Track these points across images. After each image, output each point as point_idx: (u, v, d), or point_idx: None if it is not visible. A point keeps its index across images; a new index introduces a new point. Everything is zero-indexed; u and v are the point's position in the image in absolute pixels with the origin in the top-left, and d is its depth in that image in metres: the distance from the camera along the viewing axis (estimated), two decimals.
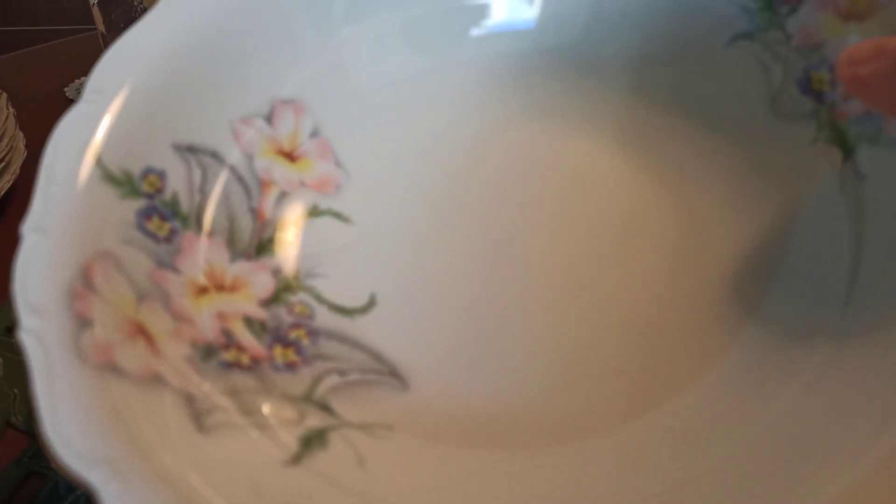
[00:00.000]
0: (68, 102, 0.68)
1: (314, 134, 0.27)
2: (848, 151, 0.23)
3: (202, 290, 0.23)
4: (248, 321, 0.23)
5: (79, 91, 0.68)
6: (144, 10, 0.70)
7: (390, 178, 0.27)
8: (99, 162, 0.22)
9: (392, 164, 0.27)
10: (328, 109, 0.27)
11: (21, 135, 0.50)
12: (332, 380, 0.22)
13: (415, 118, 0.28)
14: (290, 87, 0.26)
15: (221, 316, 0.22)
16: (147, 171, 0.23)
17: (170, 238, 0.23)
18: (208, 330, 0.22)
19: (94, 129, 0.22)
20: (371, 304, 0.24)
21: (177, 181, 0.23)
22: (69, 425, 0.17)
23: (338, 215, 0.26)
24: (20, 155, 0.48)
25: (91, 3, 0.62)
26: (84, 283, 0.20)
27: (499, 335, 0.24)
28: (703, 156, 0.26)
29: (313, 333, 0.23)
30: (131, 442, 0.17)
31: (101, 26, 0.62)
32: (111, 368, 0.18)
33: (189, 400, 0.19)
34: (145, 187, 0.23)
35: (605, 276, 0.25)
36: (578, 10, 0.28)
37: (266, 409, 0.21)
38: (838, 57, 0.20)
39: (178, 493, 0.17)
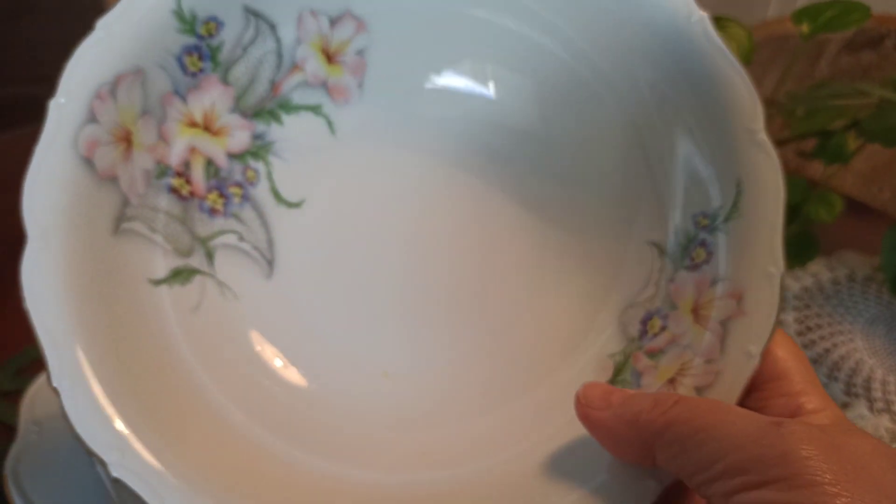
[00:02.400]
0: None
1: (360, 53, 0.31)
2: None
3: (193, 124, 0.30)
4: (209, 163, 0.30)
5: None
6: None
7: (377, 141, 0.32)
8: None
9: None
10: (381, 44, 0.31)
11: None
12: (230, 238, 0.31)
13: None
14: (365, 8, 0.31)
15: (192, 150, 0.30)
16: (210, 19, 0.28)
17: (196, 74, 0.29)
18: (176, 156, 0.29)
19: None
20: (297, 205, 0.32)
21: (230, 34, 0.29)
22: (38, 184, 0.25)
23: (330, 124, 0.32)
24: None
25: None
26: (110, 90, 0.27)
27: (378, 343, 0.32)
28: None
29: (245, 197, 0.31)
30: (64, 216, 0.26)
31: None
32: (88, 161, 0.26)
33: (124, 203, 0.28)
34: (202, 30, 0.28)
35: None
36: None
37: (171, 230, 0.29)
38: (577, 393, 0.25)
39: (73, 263, 0.26)
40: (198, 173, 0.30)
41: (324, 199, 0.32)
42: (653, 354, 0.28)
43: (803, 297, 0.49)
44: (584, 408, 0.25)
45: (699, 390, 0.26)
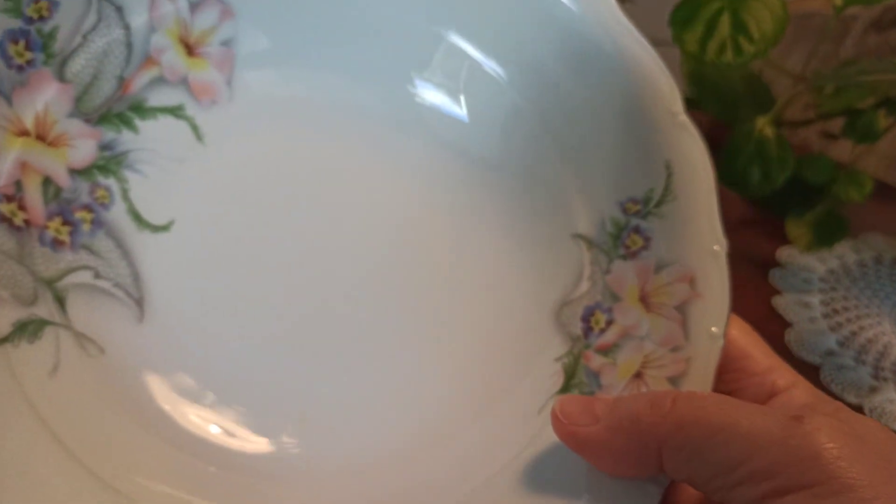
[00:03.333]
0: None
1: (225, 43, 0.26)
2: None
3: (22, 132, 0.23)
4: (47, 182, 0.23)
5: None
6: None
7: (252, 146, 0.27)
8: None
9: (263, 133, 0.27)
10: (252, 33, 0.26)
11: None
12: (84, 276, 0.24)
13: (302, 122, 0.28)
14: None
15: (24, 166, 0.23)
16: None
17: (23, 68, 0.22)
18: (2, 174, 0.22)
19: None
20: (165, 228, 0.26)
21: (66, 18, 0.23)
22: None
23: (195, 128, 0.26)
24: None
25: None
26: None
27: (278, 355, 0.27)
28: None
29: (98, 223, 0.25)
30: None
31: None
32: None
33: None
34: (30, 12, 0.22)
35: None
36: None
37: (4, 272, 0.22)
38: (553, 408, 0.23)
39: None
40: (33, 196, 0.23)
41: (195, 219, 0.26)
42: (605, 351, 0.27)
43: (829, 280, 0.49)
44: (567, 426, 0.23)
45: (673, 381, 0.25)
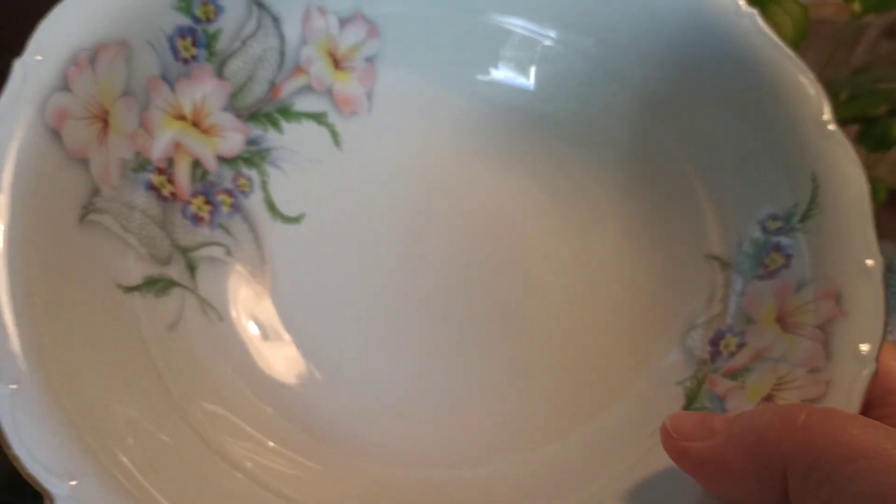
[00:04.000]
0: None
1: (369, 59, 0.28)
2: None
3: (180, 117, 0.26)
4: (196, 164, 0.26)
5: None
6: None
7: (384, 154, 0.29)
8: None
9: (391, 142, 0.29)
10: (393, 53, 0.28)
11: None
12: (216, 251, 0.26)
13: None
14: (379, 10, 0.28)
15: (178, 146, 0.26)
16: (208, 1, 0.25)
17: (188, 61, 0.25)
18: (158, 149, 0.25)
19: None
20: (296, 220, 0.27)
21: (229, 22, 0.26)
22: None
23: (334, 135, 0.28)
24: None
25: None
26: (89, 58, 0.23)
27: (404, 340, 0.27)
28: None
29: (236, 207, 0.27)
30: (21, 190, 0.21)
31: None
32: (55, 133, 0.22)
33: (94, 191, 0.23)
34: (199, 12, 0.25)
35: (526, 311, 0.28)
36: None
37: (146, 233, 0.24)
38: (662, 423, 0.20)
39: (27, 245, 0.20)
40: (182, 173, 0.25)
41: (325, 216, 0.28)
42: (734, 375, 0.24)
43: None
44: (679, 442, 0.20)
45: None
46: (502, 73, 0.29)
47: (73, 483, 0.18)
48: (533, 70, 0.29)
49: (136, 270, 0.24)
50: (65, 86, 0.22)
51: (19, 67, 0.21)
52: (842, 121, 0.47)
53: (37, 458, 0.18)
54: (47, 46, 0.22)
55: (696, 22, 0.26)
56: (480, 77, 0.29)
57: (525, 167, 0.29)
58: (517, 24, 0.28)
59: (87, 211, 0.22)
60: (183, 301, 0.24)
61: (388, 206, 0.28)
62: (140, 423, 0.21)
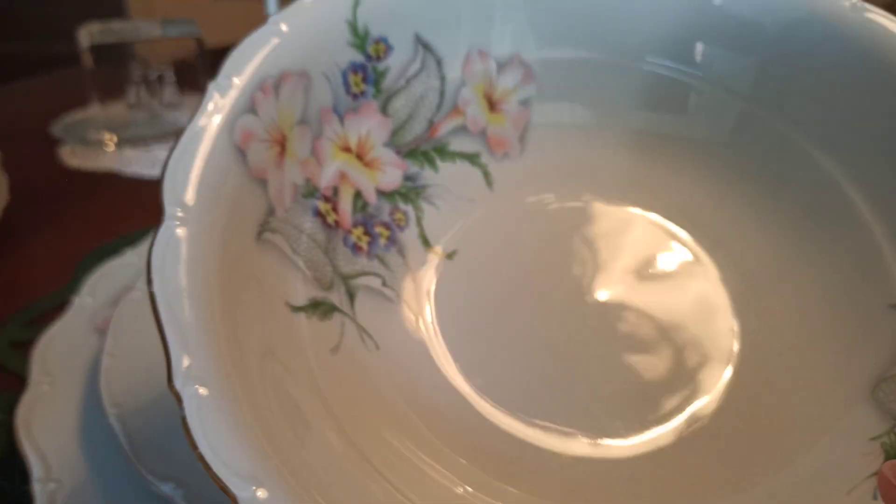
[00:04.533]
0: (53, 142, 0.67)
1: (524, 103, 0.29)
2: None
3: (346, 149, 0.26)
4: (357, 195, 0.26)
5: (65, 130, 0.68)
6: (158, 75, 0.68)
7: (535, 198, 0.29)
8: (355, 6, 0.25)
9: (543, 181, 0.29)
10: (547, 97, 0.29)
11: (5, 178, 0.51)
12: (373, 281, 0.26)
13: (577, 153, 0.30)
14: (536, 55, 0.29)
15: (343, 176, 0.26)
16: (380, 39, 0.26)
17: (357, 96, 0.26)
18: (325, 178, 0.26)
19: None
20: (449, 256, 0.28)
21: (396, 61, 0.27)
22: (184, 162, 0.21)
23: (487, 175, 0.29)
24: (2, 199, 0.50)
25: (82, 48, 0.63)
26: (274, 84, 0.24)
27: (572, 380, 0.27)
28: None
29: (392, 240, 0.27)
30: (209, 201, 0.21)
31: (90, 67, 0.64)
32: (241, 152, 0.22)
33: (269, 210, 0.23)
34: (371, 50, 0.26)
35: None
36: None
37: (312, 257, 0.25)
38: (882, 468, 0.19)
39: (211, 254, 0.21)
40: (345, 203, 0.26)
41: (476, 252, 0.28)
42: None
43: None
44: None
45: None
46: (655, 116, 0.29)
47: (260, 492, 0.18)
48: (687, 105, 0.29)
49: (303, 292, 0.24)
50: (252, 109, 0.23)
51: (213, 89, 0.22)
52: None
53: (223, 460, 0.18)
54: (238, 72, 0.23)
55: (851, 44, 0.26)
56: (632, 120, 0.29)
57: (682, 211, 0.29)
58: (669, 65, 0.29)
59: (263, 229, 0.23)
60: (343, 326, 0.24)
61: (537, 246, 0.28)
62: (305, 437, 0.21)
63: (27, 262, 0.52)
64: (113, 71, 0.67)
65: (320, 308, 0.24)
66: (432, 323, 0.26)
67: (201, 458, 0.18)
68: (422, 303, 0.27)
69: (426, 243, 0.27)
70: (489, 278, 0.27)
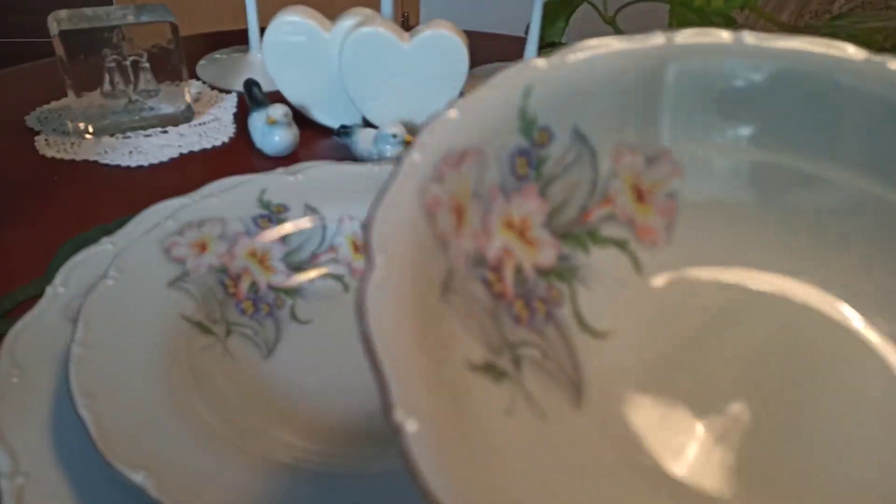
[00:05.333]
0: (29, 132, 0.68)
1: (670, 195, 0.31)
2: None
3: (509, 225, 0.28)
4: (518, 269, 0.28)
5: (39, 120, 0.70)
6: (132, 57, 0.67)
7: (684, 287, 0.30)
8: (526, 94, 0.28)
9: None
10: (694, 191, 0.31)
11: None
12: (534, 352, 0.27)
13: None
14: (682, 149, 0.30)
15: (507, 251, 0.28)
16: (545, 128, 0.28)
17: (521, 178, 0.28)
18: (492, 250, 0.27)
19: (540, 72, 0.28)
20: (603, 335, 0.28)
21: (556, 150, 0.29)
22: (389, 217, 0.23)
23: (635, 261, 0.30)
24: None
25: (52, 35, 0.64)
26: (458, 158, 0.26)
27: None
28: None
29: (550, 315, 0.28)
30: (409, 253, 0.23)
31: (61, 54, 0.64)
32: (431, 215, 0.24)
33: (449, 274, 0.25)
34: (536, 137, 0.28)
35: None
36: None
37: (483, 321, 0.25)
38: None
39: (412, 303, 0.22)
40: (508, 276, 0.27)
41: (631, 335, 0.29)
42: None
43: None
44: None
45: None
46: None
47: None
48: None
49: (478, 353, 0.25)
50: (439, 178, 0.25)
51: (408, 159, 0.24)
52: None
53: (447, 496, 0.18)
54: (429, 145, 0.25)
55: None
56: (788, 199, 0.30)
57: (853, 292, 0.29)
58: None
59: (445, 290, 0.24)
60: (512, 392, 0.25)
61: (692, 329, 0.29)
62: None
63: (2, 254, 0.52)
64: (86, 59, 0.66)
65: (493, 371, 0.25)
66: (589, 400, 0.27)
67: (428, 493, 0.18)
68: (580, 378, 0.27)
69: (581, 322, 0.28)
70: (642, 359, 0.28)
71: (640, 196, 0.30)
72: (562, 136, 0.29)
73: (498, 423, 0.23)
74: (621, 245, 0.30)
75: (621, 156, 0.30)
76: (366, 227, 0.22)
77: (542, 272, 0.29)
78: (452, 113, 0.26)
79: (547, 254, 0.29)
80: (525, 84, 0.28)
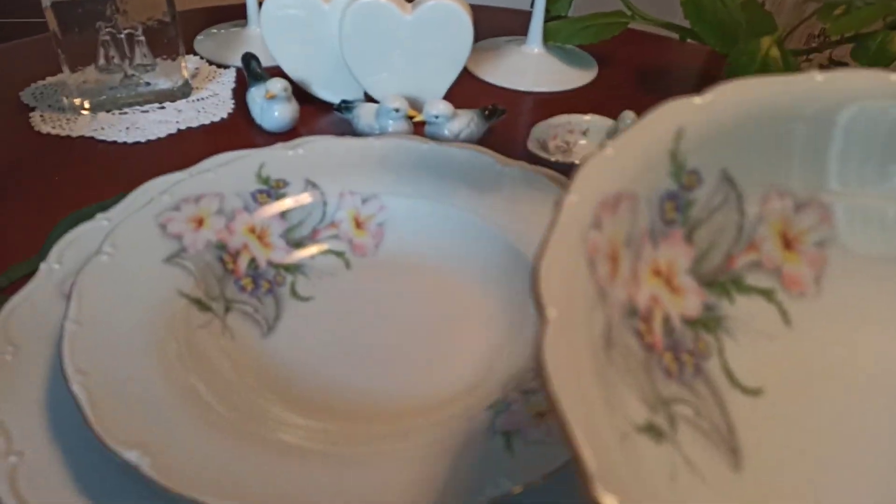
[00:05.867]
0: (24, 108, 0.67)
1: (819, 244, 0.29)
2: None
3: (657, 272, 0.26)
4: (666, 320, 0.26)
5: (34, 96, 0.67)
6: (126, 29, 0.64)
7: (836, 340, 0.28)
8: (678, 136, 0.26)
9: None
10: (844, 241, 0.29)
11: None
12: (687, 410, 0.25)
13: None
14: (842, 196, 0.29)
15: (655, 299, 0.26)
16: (694, 171, 0.27)
17: (668, 223, 0.26)
18: (642, 299, 0.25)
19: (693, 112, 0.26)
20: (754, 392, 0.26)
21: (704, 193, 0.27)
22: (553, 269, 0.21)
23: (783, 313, 0.28)
24: None
25: (44, 6, 0.61)
26: (614, 202, 0.24)
27: None
28: None
29: (698, 369, 0.26)
30: (576, 307, 0.21)
31: (54, 27, 0.62)
32: (592, 263, 0.22)
33: (608, 325, 0.23)
34: (685, 180, 0.27)
35: None
36: None
37: (638, 377, 0.23)
38: None
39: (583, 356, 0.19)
40: (657, 326, 0.25)
41: (783, 391, 0.27)
42: None
43: None
44: None
45: None
46: None
47: None
48: None
49: (640, 412, 0.22)
50: (597, 224, 0.23)
51: (567, 205, 0.22)
52: (834, 42, 0.45)
53: None
54: (586, 189, 0.23)
55: None
56: None
57: None
58: None
59: (607, 344, 0.22)
60: (672, 454, 0.23)
61: (845, 389, 0.27)
62: None
63: None
64: (80, 32, 0.64)
65: (653, 431, 0.23)
66: (745, 462, 0.25)
67: None
68: (735, 439, 0.25)
69: (730, 376, 0.26)
70: (796, 417, 0.26)
71: (787, 243, 0.29)
72: (709, 179, 0.27)
73: (666, 489, 0.21)
74: (767, 294, 0.28)
75: (769, 200, 0.28)
76: (533, 276, 0.21)
77: (689, 322, 0.27)
78: (609, 152, 0.24)
79: (692, 302, 0.27)
80: (678, 125, 0.26)
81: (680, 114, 0.26)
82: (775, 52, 0.46)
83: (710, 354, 0.26)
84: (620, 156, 0.24)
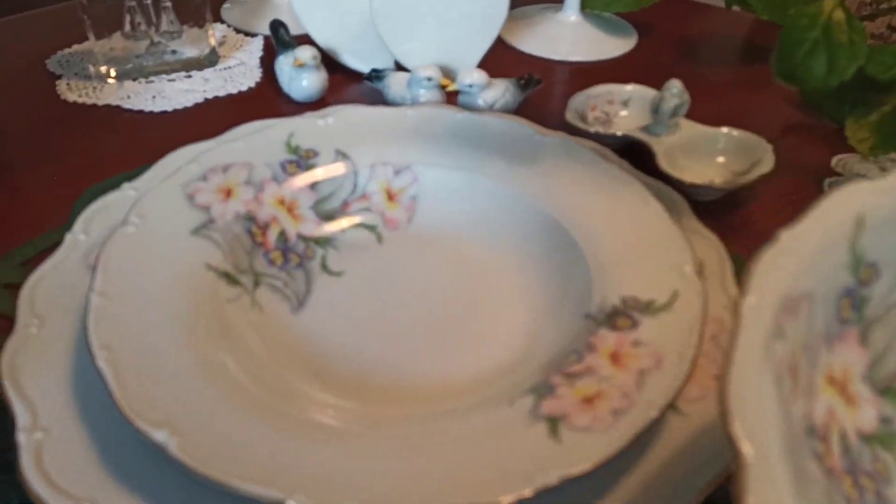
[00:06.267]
0: (50, 76, 0.66)
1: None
2: None
3: (832, 381, 0.23)
4: (842, 436, 0.23)
5: (61, 64, 0.66)
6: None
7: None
8: (858, 225, 0.23)
9: None
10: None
11: None
12: None
13: None
14: None
15: (830, 413, 0.23)
16: (872, 264, 0.24)
17: (843, 323, 0.24)
18: (818, 414, 0.22)
19: (872, 198, 0.23)
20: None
21: (880, 288, 0.24)
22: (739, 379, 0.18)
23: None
24: None
25: None
26: (794, 305, 0.21)
27: None
28: None
29: (880, 498, 0.23)
30: (768, 449, 0.18)
31: None
32: (778, 380, 0.20)
33: (791, 451, 0.19)
34: (863, 274, 0.24)
35: None
36: None
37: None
38: None
39: None
40: (835, 445, 0.22)
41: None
42: None
43: None
44: None
45: None
46: None
47: None
48: None
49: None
50: (780, 333, 0.20)
51: (746, 309, 0.20)
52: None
53: None
54: (763, 288, 0.20)
55: None
56: None
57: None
58: None
59: (797, 478, 0.19)
60: None
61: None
62: None
63: (24, 201, 0.51)
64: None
65: None
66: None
67: None
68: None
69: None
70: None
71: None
72: (887, 272, 0.24)
73: None
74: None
75: None
76: (721, 402, 0.18)
77: (865, 438, 0.24)
78: (784, 243, 0.21)
79: (868, 414, 0.24)
80: (856, 213, 0.23)
81: (860, 198, 0.23)
82: (839, 14, 0.42)
83: (890, 479, 0.24)
84: (796, 248, 0.21)
